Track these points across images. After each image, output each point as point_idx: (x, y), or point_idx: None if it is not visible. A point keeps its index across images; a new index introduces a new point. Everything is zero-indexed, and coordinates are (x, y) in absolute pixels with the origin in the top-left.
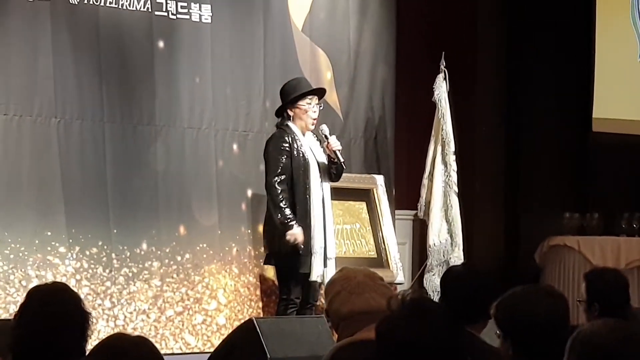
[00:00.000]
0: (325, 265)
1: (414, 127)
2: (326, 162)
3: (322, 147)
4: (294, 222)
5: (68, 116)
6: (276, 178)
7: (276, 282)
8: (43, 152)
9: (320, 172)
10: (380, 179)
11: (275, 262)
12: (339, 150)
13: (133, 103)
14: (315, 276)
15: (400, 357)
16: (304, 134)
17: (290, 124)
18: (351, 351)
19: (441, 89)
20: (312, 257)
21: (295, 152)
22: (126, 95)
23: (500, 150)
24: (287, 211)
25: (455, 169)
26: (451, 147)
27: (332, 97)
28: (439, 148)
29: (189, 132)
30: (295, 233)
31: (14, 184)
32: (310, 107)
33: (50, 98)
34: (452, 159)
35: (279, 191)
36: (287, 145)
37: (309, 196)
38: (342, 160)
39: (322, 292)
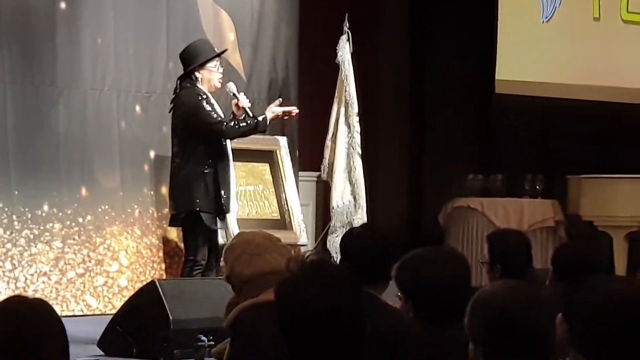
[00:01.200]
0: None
1: (317, 89)
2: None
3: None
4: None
5: None
6: (219, 120)
7: (180, 244)
8: None
9: None
10: (283, 140)
11: (182, 222)
12: (248, 107)
13: (34, 64)
14: (233, 233)
15: (299, 319)
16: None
17: (198, 85)
18: (255, 312)
19: (344, 50)
20: (228, 215)
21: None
22: (27, 57)
23: (404, 112)
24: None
25: (359, 130)
26: (354, 108)
27: (235, 58)
28: (342, 110)
29: (91, 94)
30: (274, 109)
31: None
32: (215, 69)
33: None
34: (355, 120)
35: (233, 124)
36: (203, 99)
37: (227, 153)
38: (252, 115)
39: None
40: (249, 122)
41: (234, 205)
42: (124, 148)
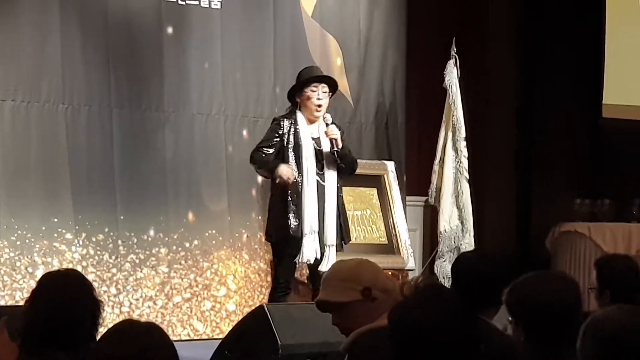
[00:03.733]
0: (322, 251)
1: (425, 113)
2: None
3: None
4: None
5: (76, 102)
6: (263, 146)
7: None
8: (50, 138)
9: (320, 158)
10: (391, 165)
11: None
12: (334, 137)
13: (141, 89)
14: (304, 259)
15: (413, 342)
16: (311, 123)
17: (297, 112)
18: (372, 337)
19: (452, 75)
20: (303, 240)
21: (291, 137)
22: (134, 81)
23: (512, 137)
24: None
25: (466, 155)
26: (462, 133)
27: (342, 83)
28: (450, 134)
29: (198, 118)
30: (281, 169)
31: (21, 170)
32: (314, 95)
33: (58, 84)
34: (462, 145)
35: (262, 154)
36: (283, 127)
37: (302, 178)
38: (335, 148)
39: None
40: (269, 159)
41: (308, 229)
42: (231, 172)
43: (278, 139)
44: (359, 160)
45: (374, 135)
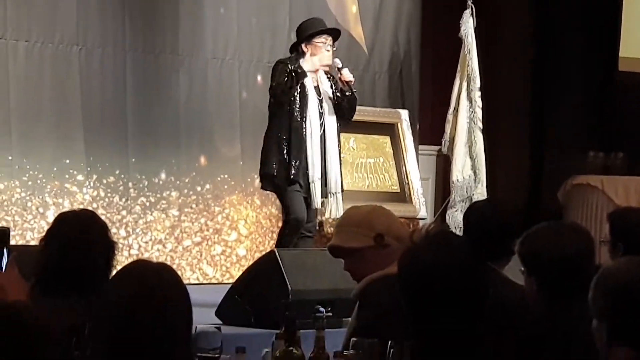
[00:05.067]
0: (325, 197)
1: (440, 63)
2: (336, 97)
3: (333, 82)
4: None
5: (90, 44)
6: (279, 83)
7: None
8: (64, 79)
9: (323, 105)
10: (404, 114)
11: (274, 187)
12: (351, 81)
13: (156, 32)
14: (315, 204)
15: (421, 289)
16: (315, 72)
17: (301, 60)
18: (383, 284)
19: (468, 25)
20: (311, 185)
21: (295, 82)
22: (149, 24)
23: (526, 88)
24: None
25: (481, 105)
26: (477, 83)
27: (357, 31)
28: (465, 84)
29: (213, 63)
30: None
31: (34, 111)
32: (324, 46)
33: (72, 26)
34: (477, 95)
35: (281, 89)
36: (289, 70)
37: (305, 124)
38: (354, 90)
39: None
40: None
41: (313, 175)
42: (244, 118)
43: (288, 77)
44: (372, 108)
45: (388, 84)
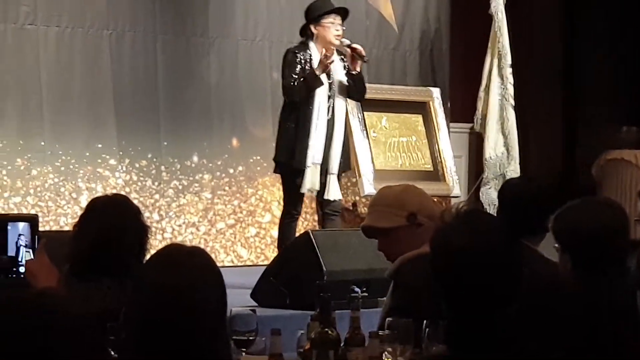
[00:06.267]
0: (324, 179)
1: (470, 40)
2: (345, 80)
3: (344, 63)
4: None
5: (120, 28)
6: (291, 74)
7: None
8: (95, 64)
9: (332, 88)
10: (436, 92)
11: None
12: (361, 52)
13: (186, 15)
14: (305, 189)
15: (453, 268)
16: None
17: (310, 43)
18: (417, 263)
19: (498, 1)
20: (305, 170)
21: (306, 70)
22: (179, 7)
23: (558, 63)
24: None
25: (512, 81)
26: (508, 59)
27: (387, 9)
28: (496, 61)
29: (243, 44)
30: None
31: (65, 96)
32: (333, 25)
33: (102, 10)
34: (508, 71)
35: (292, 84)
36: (300, 59)
37: (312, 111)
38: (365, 59)
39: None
40: (301, 81)
41: (311, 160)
42: (276, 98)
43: (300, 69)
44: (404, 87)
45: (419, 62)
